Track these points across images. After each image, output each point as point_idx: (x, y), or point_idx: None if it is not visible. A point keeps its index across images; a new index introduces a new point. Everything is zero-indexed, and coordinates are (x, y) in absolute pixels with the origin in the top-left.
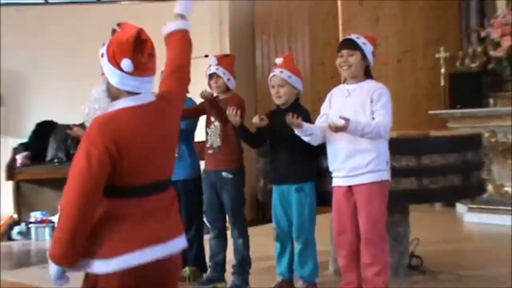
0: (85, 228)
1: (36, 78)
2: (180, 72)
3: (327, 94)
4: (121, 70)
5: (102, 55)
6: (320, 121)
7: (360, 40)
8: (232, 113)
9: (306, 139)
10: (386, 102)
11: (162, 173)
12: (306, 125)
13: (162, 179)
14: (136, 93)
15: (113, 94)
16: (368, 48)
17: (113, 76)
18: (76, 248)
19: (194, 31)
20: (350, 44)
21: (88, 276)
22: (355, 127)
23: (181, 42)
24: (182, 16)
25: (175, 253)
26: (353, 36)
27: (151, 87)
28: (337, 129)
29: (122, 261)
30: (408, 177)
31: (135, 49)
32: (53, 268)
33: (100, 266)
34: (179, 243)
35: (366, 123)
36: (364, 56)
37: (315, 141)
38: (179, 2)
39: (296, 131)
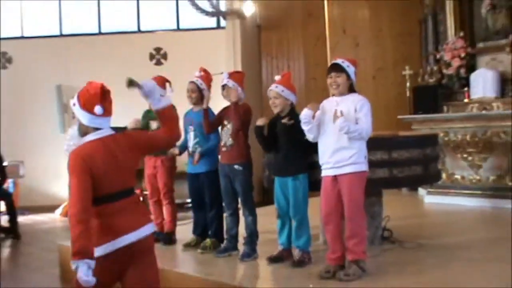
0: (88, 225)
1: None
2: (156, 140)
3: (320, 104)
4: (92, 113)
5: (74, 104)
6: (315, 124)
7: (345, 64)
8: (260, 120)
9: (305, 128)
10: (367, 111)
11: (124, 184)
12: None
13: (126, 188)
14: (99, 129)
15: (83, 131)
16: (351, 70)
17: (84, 118)
18: (87, 240)
19: (213, 54)
20: (337, 68)
21: None
22: (345, 124)
23: (169, 118)
24: (158, 100)
25: (144, 236)
26: (339, 61)
27: (109, 124)
28: (335, 117)
29: (102, 248)
30: (381, 168)
31: (102, 98)
32: (80, 268)
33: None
34: (146, 229)
35: (353, 125)
36: (348, 76)
37: (312, 132)
38: (151, 100)
39: (305, 112)
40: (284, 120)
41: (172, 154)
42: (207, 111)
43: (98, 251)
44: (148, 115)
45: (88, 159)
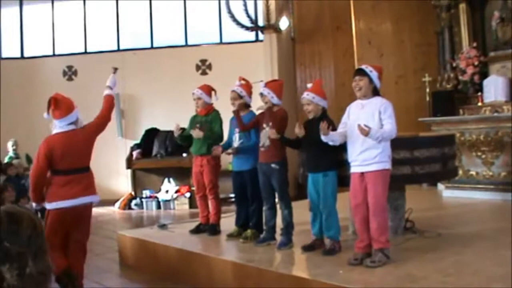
0: (41, 186)
1: (145, 99)
2: (100, 119)
3: (347, 107)
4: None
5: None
6: (340, 128)
7: (368, 69)
8: (272, 133)
9: (329, 143)
10: (391, 113)
11: (77, 163)
12: (330, 133)
13: (77, 167)
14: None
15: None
16: (373, 74)
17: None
18: (37, 194)
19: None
20: (360, 72)
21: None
22: (374, 133)
23: (107, 103)
24: (109, 87)
25: (83, 203)
26: (363, 66)
27: (67, 122)
28: (361, 131)
29: (54, 204)
30: (404, 165)
31: (48, 107)
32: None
33: (47, 205)
34: (87, 199)
35: (382, 130)
36: (371, 80)
37: (336, 143)
38: (110, 77)
39: (323, 137)
40: (322, 125)
41: (216, 154)
42: (238, 112)
43: (51, 206)
44: (195, 119)
45: (49, 145)
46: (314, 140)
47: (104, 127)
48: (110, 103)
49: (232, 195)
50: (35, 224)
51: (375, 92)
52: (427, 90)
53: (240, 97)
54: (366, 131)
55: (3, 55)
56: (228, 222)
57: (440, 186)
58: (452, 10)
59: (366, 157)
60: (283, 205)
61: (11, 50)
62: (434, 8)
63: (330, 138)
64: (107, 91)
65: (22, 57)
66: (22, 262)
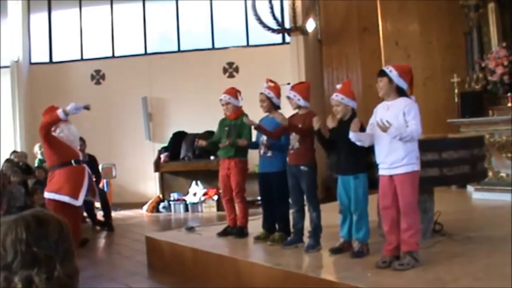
0: None
1: (173, 102)
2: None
3: (374, 109)
4: None
5: None
6: (368, 129)
7: (388, 69)
8: (316, 120)
9: (357, 143)
10: (415, 114)
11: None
12: (359, 133)
13: (52, 164)
14: None
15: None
16: (393, 74)
17: None
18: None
19: (279, 67)
20: (380, 73)
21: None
22: (394, 131)
23: (50, 117)
24: (64, 111)
25: (47, 198)
26: (384, 67)
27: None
28: (381, 128)
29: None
30: (432, 167)
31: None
32: None
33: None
34: (46, 195)
35: (403, 130)
36: (390, 80)
37: (364, 144)
38: (74, 105)
39: (351, 135)
40: (355, 121)
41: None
42: (260, 126)
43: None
44: (224, 123)
45: None
46: (343, 141)
47: (39, 132)
48: (51, 118)
49: (259, 198)
50: (62, 228)
51: (400, 92)
52: (456, 91)
53: (269, 99)
54: (385, 127)
55: (33, 60)
56: (256, 225)
57: (470, 188)
58: (480, 9)
59: (394, 160)
60: (312, 208)
61: (40, 55)
62: (462, 8)
63: (358, 137)
64: (61, 109)
65: (51, 62)
66: (50, 266)
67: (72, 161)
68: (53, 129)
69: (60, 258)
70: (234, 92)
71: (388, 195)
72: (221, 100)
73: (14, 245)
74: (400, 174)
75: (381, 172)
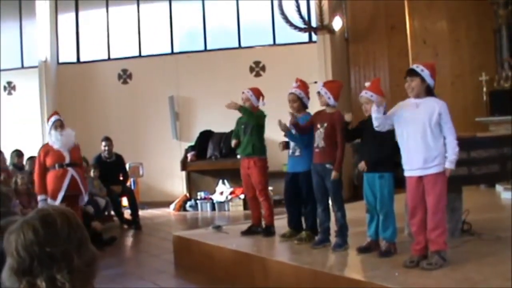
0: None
1: (200, 101)
2: None
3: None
4: None
5: None
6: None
7: (419, 68)
8: (348, 116)
9: (375, 122)
10: (449, 118)
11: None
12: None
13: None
14: None
15: None
16: (425, 73)
17: None
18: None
19: (306, 66)
20: (412, 72)
21: None
22: (453, 162)
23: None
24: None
25: None
26: (414, 66)
27: None
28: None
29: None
30: (461, 166)
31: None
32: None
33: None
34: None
35: (451, 151)
36: (423, 79)
37: (377, 120)
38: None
39: (373, 107)
40: (378, 102)
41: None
42: (296, 122)
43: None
44: (240, 120)
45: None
46: (371, 139)
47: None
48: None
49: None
50: (69, 219)
51: (429, 92)
52: (484, 89)
53: (299, 98)
54: (449, 171)
55: (60, 60)
56: (281, 224)
57: (499, 187)
58: (510, 6)
59: (423, 161)
60: (336, 207)
61: (68, 55)
62: (491, 5)
63: (379, 111)
64: (41, 197)
65: (78, 61)
66: (68, 260)
67: (56, 166)
68: (52, 131)
69: (75, 248)
70: (257, 92)
71: (416, 195)
72: (243, 93)
73: (27, 250)
74: (430, 174)
75: (410, 173)
